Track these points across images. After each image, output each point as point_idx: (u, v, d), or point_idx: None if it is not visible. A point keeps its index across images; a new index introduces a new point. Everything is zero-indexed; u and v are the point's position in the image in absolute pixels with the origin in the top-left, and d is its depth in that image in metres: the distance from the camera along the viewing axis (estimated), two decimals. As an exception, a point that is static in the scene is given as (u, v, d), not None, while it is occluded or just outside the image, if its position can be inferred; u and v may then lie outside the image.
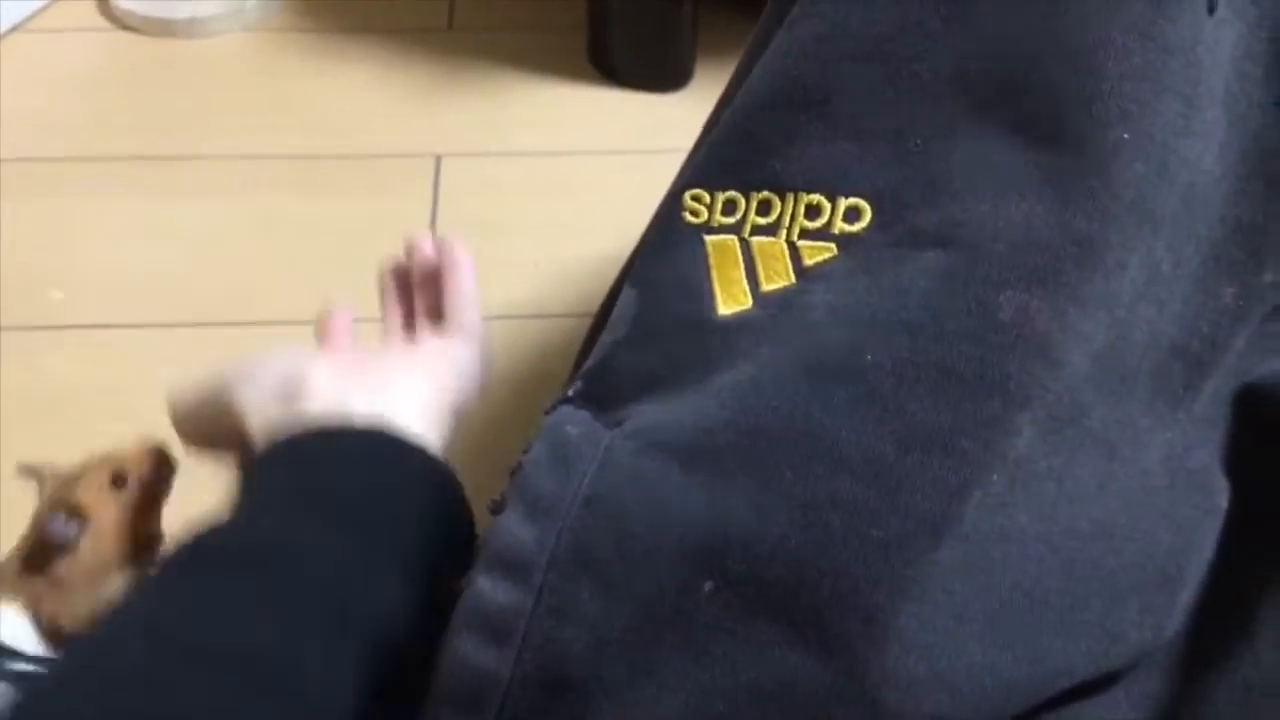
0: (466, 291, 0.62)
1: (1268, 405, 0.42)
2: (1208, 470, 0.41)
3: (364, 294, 0.95)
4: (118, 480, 0.60)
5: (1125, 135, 0.39)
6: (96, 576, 0.58)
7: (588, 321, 0.94)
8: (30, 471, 0.62)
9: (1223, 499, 0.41)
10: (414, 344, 0.60)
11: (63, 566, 0.58)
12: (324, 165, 1.07)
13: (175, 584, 0.42)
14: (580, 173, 1.07)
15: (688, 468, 0.38)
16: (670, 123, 1.11)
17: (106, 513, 0.59)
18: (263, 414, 0.50)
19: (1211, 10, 0.39)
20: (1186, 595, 0.40)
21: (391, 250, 0.98)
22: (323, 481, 0.45)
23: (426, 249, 0.66)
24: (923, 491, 0.36)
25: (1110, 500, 0.39)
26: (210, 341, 0.90)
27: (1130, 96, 0.39)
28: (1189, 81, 0.39)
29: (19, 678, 0.51)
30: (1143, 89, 0.39)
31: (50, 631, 0.58)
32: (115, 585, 0.59)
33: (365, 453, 0.47)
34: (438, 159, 1.07)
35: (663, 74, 1.15)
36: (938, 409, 0.37)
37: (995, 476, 0.37)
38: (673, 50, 1.14)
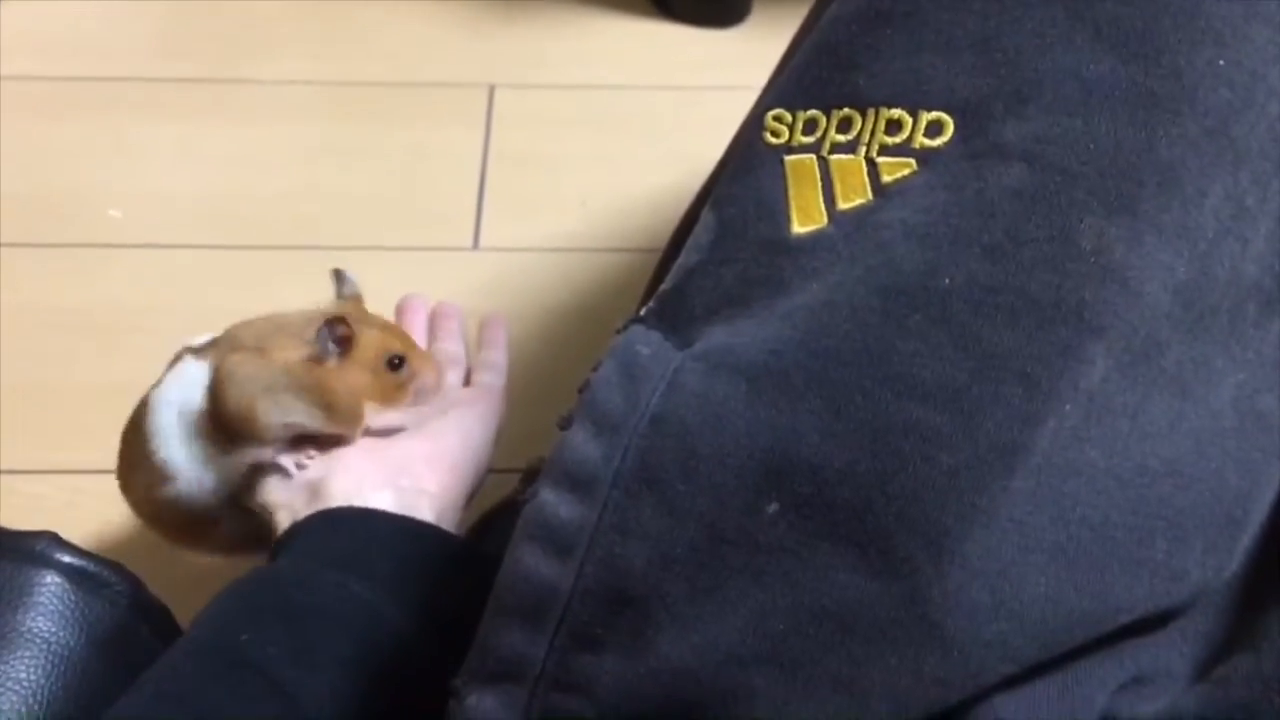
0: (503, 366, 0.71)
1: None
2: (1274, 413, 0.41)
3: (414, 224, 0.96)
4: (394, 363, 0.60)
5: (1219, 60, 0.38)
6: (299, 399, 0.58)
7: (638, 257, 0.94)
8: (338, 274, 0.63)
9: None
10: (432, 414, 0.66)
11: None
12: (377, 93, 1.07)
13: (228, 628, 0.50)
14: (634, 107, 1.06)
15: (756, 389, 0.38)
16: (725, 58, 1.10)
17: (360, 375, 0.59)
18: (291, 511, 0.58)
19: None
20: (1248, 537, 0.40)
21: (442, 178, 0.99)
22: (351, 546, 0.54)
23: (453, 321, 0.74)
24: (995, 419, 0.36)
25: (1181, 439, 0.38)
26: (264, 265, 0.91)
27: (1224, 18, 0.38)
28: None
29: (72, 570, 0.53)
30: (1235, 12, 0.38)
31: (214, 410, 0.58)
32: (297, 418, 0.59)
33: (386, 528, 0.56)
34: (491, 89, 1.07)
35: (719, 9, 1.13)
36: (1013, 336, 0.37)
37: (1069, 407, 0.37)
38: (730, -15, 1.13)
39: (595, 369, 0.41)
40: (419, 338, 0.73)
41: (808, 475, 0.37)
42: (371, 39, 1.13)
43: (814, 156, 0.42)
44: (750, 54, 1.10)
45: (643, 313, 0.43)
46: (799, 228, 0.41)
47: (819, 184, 0.41)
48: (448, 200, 0.97)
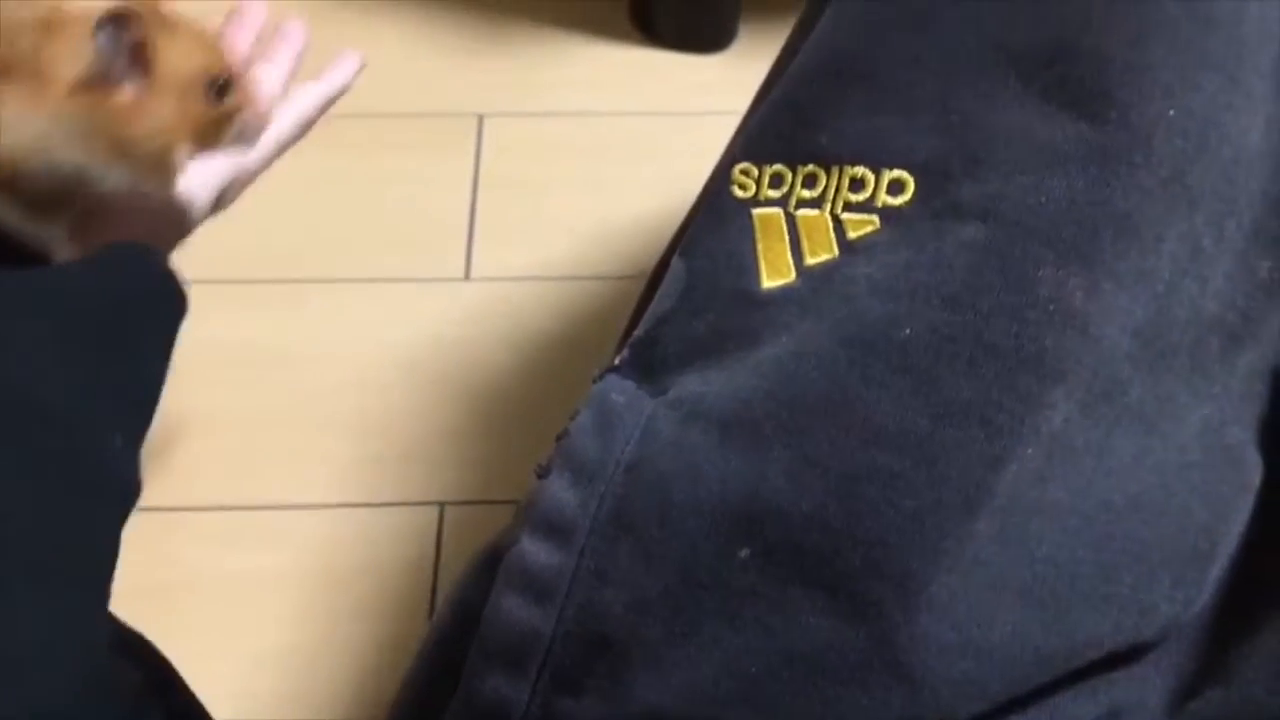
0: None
1: None
2: (1242, 446, 0.41)
3: (410, 253, 0.96)
4: (218, 88, 0.45)
5: (1169, 110, 0.39)
6: (85, 147, 0.42)
7: (627, 284, 0.95)
8: None
9: (1256, 475, 0.42)
10: None
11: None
12: (367, 123, 1.08)
13: None
14: (622, 133, 1.07)
15: (727, 437, 0.39)
16: (712, 84, 1.11)
17: (166, 104, 0.43)
18: None
19: None
20: (1217, 569, 0.41)
21: (433, 208, 0.99)
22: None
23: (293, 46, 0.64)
24: (957, 464, 0.37)
25: (1146, 474, 0.39)
26: (249, 299, 0.92)
27: (1173, 69, 0.39)
28: (1232, 57, 0.39)
29: None
30: (1185, 62, 0.39)
31: None
32: (83, 171, 0.43)
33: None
34: (480, 118, 1.08)
35: (705, 35, 1.14)
36: (973, 383, 0.38)
37: (1031, 450, 0.37)
38: (715, 11, 1.14)
39: (572, 418, 0.42)
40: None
41: (777, 521, 0.38)
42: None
43: (781, 211, 0.43)
44: (735, 79, 1.10)
45: (617, 361, 0.44)
46: (769, 282, 0.42)
47: (787, 239, 0.42)
48: (439, 230, 0.98)
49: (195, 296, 0.91)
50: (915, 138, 0.41)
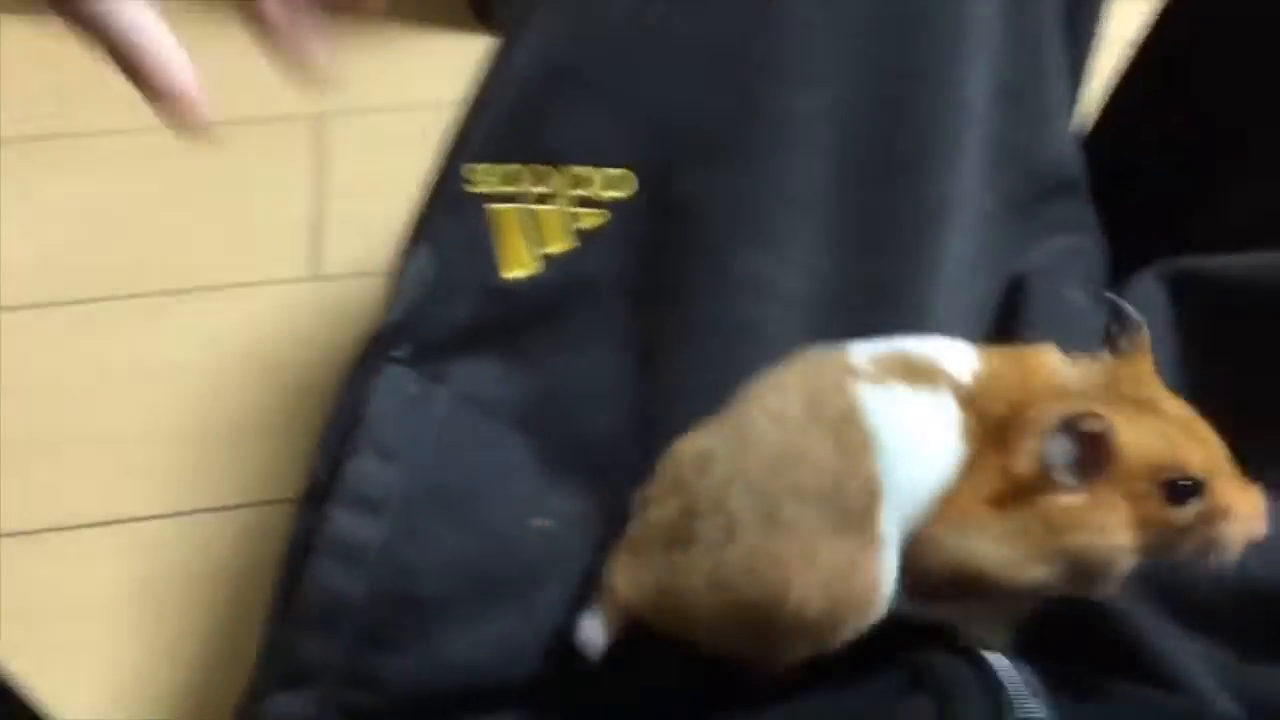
0: None
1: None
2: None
3: (258, 257, 0.96)
4: (1178, 491, 0.36)
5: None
6: (1025, 554, 0.37)
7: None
8: (1113, 305, 0.38)
9: None
10: None
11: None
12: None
13: None
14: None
15: (509, 419, 0.45)
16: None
17: (1115, 505, 0.36)
18: None
19: None
20: None
21: (277, 211, 0.99)
22: None
23: None
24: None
25: None
26: (104, 316, 0.92)
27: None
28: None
29: None
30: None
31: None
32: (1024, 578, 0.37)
33: None
34: (320, 117, 1.08)
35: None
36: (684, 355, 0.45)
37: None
38: (547, -4, 1.15)
39: (364, 404, 0.46)
40: None
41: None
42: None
43: (517, 206, 0.47)
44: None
45: (398, 355, 0.47)
46: (513, 272, 0.46)
47: (525, 232, 0.47)
48: (285, 232, 0.99)
49: (58, 321, 0.90)
50: (630, 137, 0.47)
